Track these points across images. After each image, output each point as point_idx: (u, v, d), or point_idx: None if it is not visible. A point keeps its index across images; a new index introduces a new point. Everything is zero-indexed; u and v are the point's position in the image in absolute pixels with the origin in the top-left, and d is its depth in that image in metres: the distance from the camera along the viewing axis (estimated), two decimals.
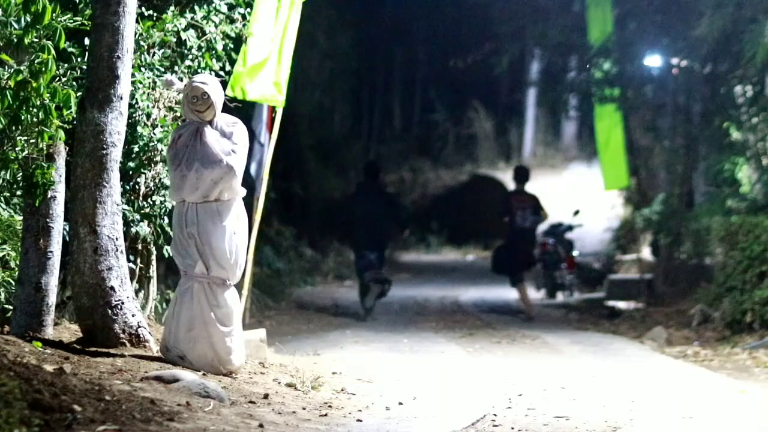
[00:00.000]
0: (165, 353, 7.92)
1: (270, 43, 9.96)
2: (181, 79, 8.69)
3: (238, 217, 8.03)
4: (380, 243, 16.07)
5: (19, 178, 7.83)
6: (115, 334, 7.88)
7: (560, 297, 19.96)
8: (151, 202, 9.12)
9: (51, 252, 7.96)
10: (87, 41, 8.09)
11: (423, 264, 27.16)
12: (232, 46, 9.56)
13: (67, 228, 8.06)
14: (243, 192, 8.07)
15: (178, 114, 9.15)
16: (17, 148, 7.71)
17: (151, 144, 8.98)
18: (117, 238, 7.92)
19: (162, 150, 8.99)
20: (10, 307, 8.19)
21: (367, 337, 13.48)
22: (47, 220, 7.94)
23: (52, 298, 8.01)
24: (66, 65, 8.33)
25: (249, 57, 9.84)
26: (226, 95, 9.57)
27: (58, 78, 8.12)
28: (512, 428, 7.30)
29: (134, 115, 8.87)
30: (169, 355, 7.89)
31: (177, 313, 7.93)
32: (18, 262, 8.16)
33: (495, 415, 7.77)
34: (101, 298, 7.85)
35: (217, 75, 9.43)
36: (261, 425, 6.44)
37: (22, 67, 7.50)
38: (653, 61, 19.22)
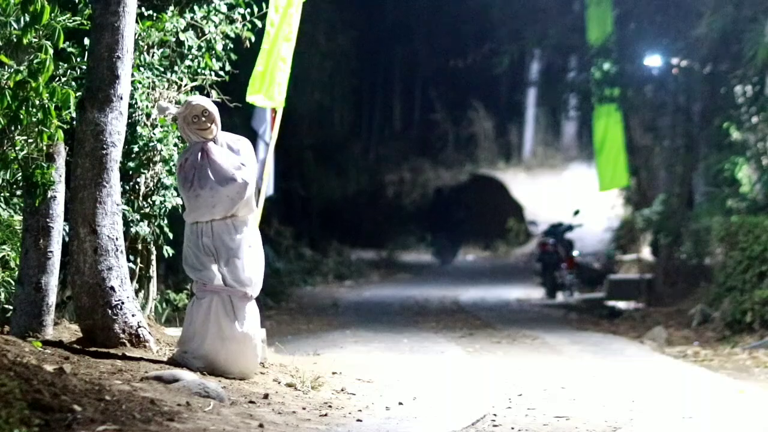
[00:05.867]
0: (180, 361, 7.80)
1: (269, 44, 9.93)
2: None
3: (252, 231, 8.01)
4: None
5: (19, 178, 7.82)
6: (115, 334, 7.88)
7: (560, 297, 19.96)
8: (151, 202, 9.12)
9: (51, 252, 7.96)
10: (87, 41, 8.09)
11: (423, 263, 27.15)
12: (232, 46, 9.55)
13: (67, 228, 8.05)
14: (257, 208, 8.02)
15: None
16: (17, 148, 7.70)
17: (151, 144, 8.97)
18: (117, 238, 7.91)
19: (162, 150, 8.98)
20: (10, 307, 8.19)
21: (367, 337, 13.47)
22: (47, 220, 7.93)
23: (52, 298, 8.00)
24: (65, 65, 8.32)
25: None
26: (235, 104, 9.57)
27: (57, 78, 8.11)
28: (512, 428, 7.30)
29: (134, 115, 8.85)
30: (186, 364, 7.76)
31: (193, 324, 7.84)
32: (18, 262, 8.16)
33: (495, 415, 7.77)
34: (101, 298, 7.84)
35: (217, 75, 9.43)
36: (261, 425, 6.43)
37: (21, 67, 7.49)
38: (653, 61, 19.21)
